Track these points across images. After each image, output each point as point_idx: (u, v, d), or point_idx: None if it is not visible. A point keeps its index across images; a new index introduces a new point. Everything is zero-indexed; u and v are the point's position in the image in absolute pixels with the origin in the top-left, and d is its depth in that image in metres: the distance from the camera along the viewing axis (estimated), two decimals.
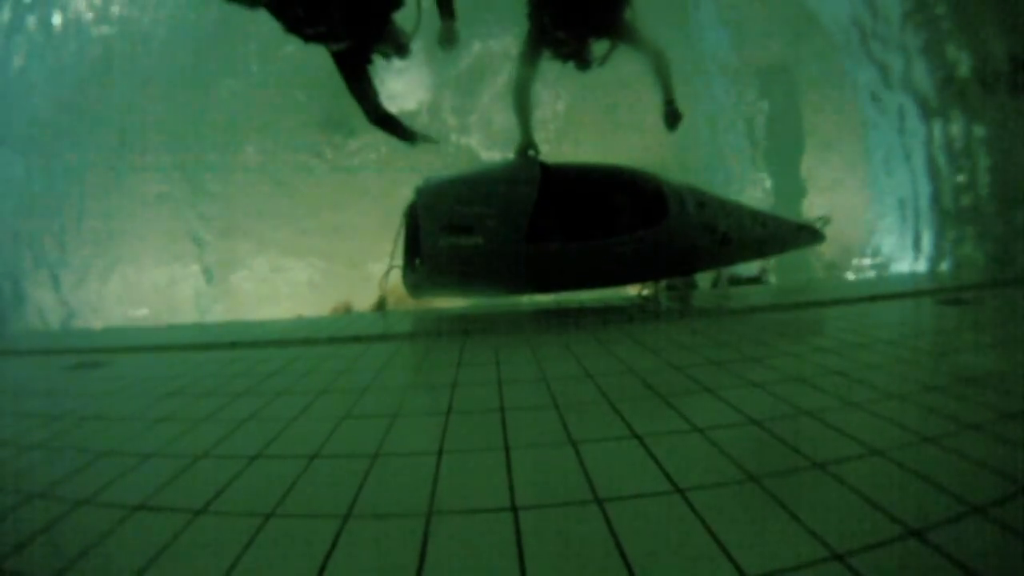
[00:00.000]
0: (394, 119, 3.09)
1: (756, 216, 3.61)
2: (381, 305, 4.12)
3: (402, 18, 2.81)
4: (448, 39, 2.78)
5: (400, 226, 3.44)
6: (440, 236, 3.04)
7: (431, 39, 2.84)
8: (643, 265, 3.54)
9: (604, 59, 3.10)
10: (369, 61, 2.88)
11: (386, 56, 2.92)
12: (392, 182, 10.50)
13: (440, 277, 3.27)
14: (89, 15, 10.26)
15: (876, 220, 8.45)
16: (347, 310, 7.28)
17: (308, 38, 2.62)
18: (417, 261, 3.34)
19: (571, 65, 3.09)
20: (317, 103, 10.55)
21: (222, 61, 10.81)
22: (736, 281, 6.19)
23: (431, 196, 3.14)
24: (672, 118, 3.33)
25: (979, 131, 5.90)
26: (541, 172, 3.20)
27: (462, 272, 3.19)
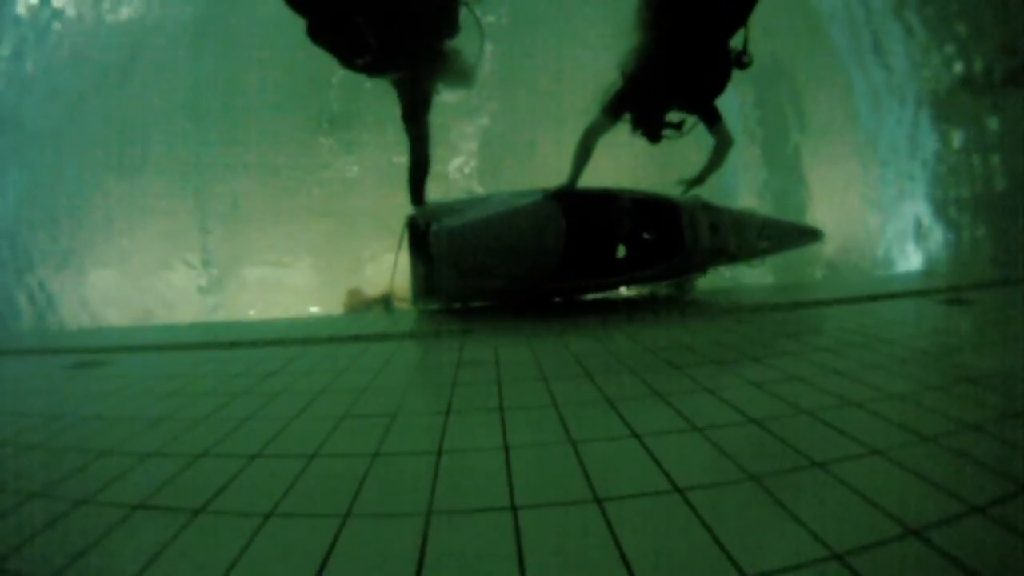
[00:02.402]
0: (422, 173, 3.01)
1: (763, 230, 3.65)
2: (387, 304, 4.16)
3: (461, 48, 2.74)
4: None
5: (401, 235, 3.41)
6: (458, 278, 2.99)
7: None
8: (650, 281, 3.63)
9: (683, 131, 3.04)
10: (434, 91, 2.80)
11: (450, 87, 2.84)
12: (391, 180, 10.50)
13: (451, 298, 3.33)
14: (86, 14, 10.26)
15: (876, 219, 8.45)
16: (360, 296, 7.15)
17: (360, 70, 2.55)
18: (423, 267, 3.34)
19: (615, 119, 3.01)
20: (317, 100, 10.55)
21: (222, 60, 10.81)
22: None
23: (447, 240, 2.95)
24: (692, 184, 3.37)
25: (982, 131, 5.90)
26: (565, 217, 3.08)
27: (475, 296, 3.22)
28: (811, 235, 3.98)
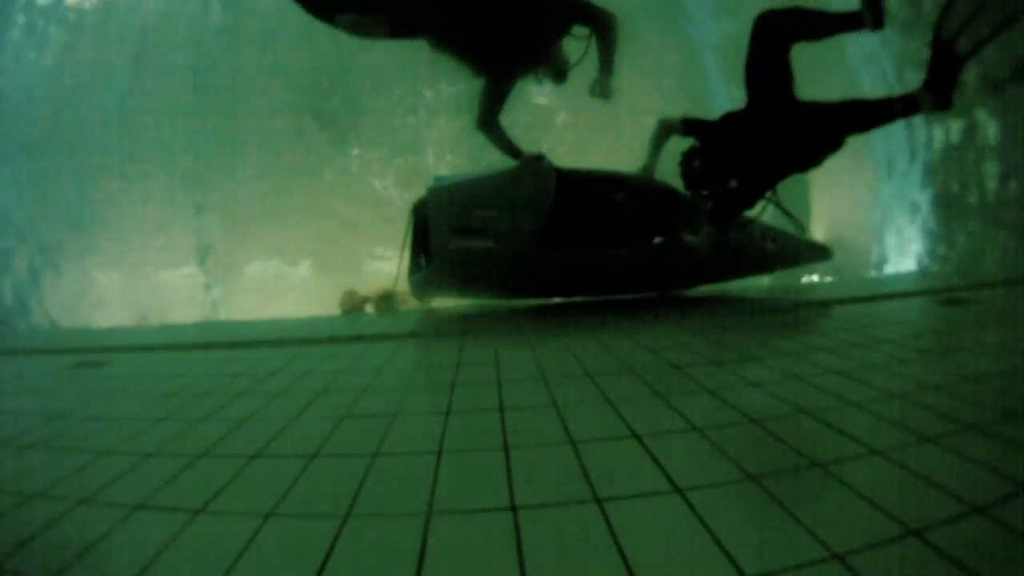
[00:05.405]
0: (502, 132, 3.10)
1: (767, 232, 3.65)
2: (387, 299, 4.15)
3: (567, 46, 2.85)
4: (603, 92, 2.87)
5: (408, 223, 3.43)
6: (450, 237, 3.02)
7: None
8: (654, 276, 3.60)
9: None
10: (524, 77, 2.94)
11: (540, 79, 2.95)
12: (391, 179, 10.50)
13: (447, 278, 3.28)
14: (87, 12, 10.26)
15: (876, 219, 8.45)
16: (356, 297, 7.12)
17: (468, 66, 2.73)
18: (423, 260, 3.34)
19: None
20: (315, 100, 10.55)
21: (221, 59, 10.81)
22: None
23: (443, 196, 3.08)
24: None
25: (982, 130, 5.89)
26: (557, 179, 3.15)
27: (470, 273, 3.20)
28: (819, 251, 3.99)
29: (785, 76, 2.58)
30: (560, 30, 2.74)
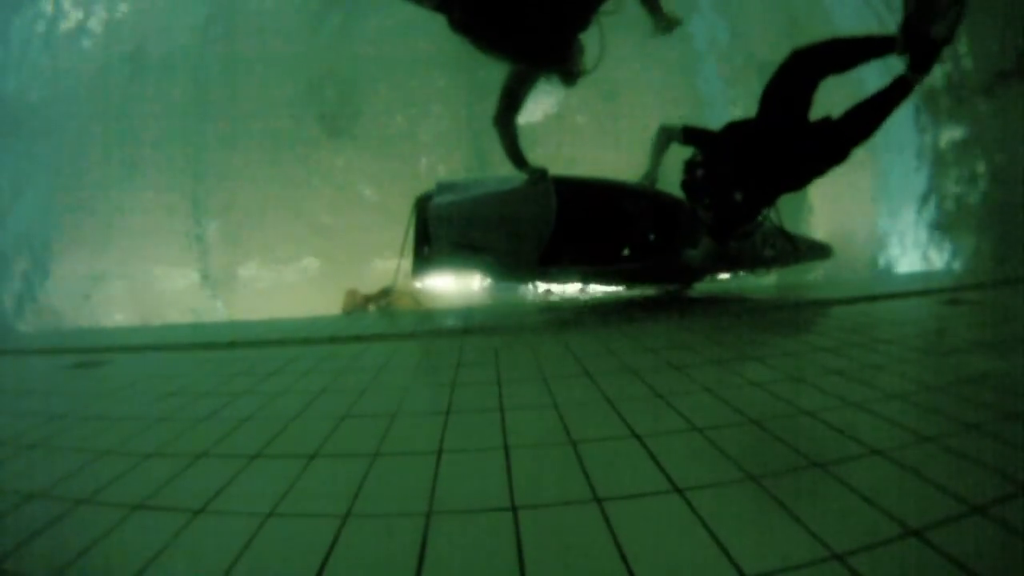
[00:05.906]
0: (514, 134, 3.04)
1: (767, 238, 3.65)
2: (385, 295, 4.15)
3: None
4: (668, 25, 2.72)
5: (409, 217, 3.45)
6: (451, 251, 3.06)
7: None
8: (650, 277, 3.62)
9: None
10: (546, 73, 2.85)
11: (559, 82, 2.86)
12: (389, 179, 10.50)
13: (447, 274, 3.34)
14: (85, 12, 10.26)
15: (876, 219, 8.45)
16: (358, 297, 7.15)
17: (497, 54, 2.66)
18: (426, 249, 3.37)
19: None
20: (316, 101, 10.54)
21: (223, 62, 10.81)
22: None
23: (443, 212, 3.08)
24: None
25: (981, 130, 5.89)
26: (557, 193, 3.15)
27: (471, 274, 3.27)
28: (820, 250, 3.99)
29: (805, 108, 2.59)
30: (592, 6, 2.62)
